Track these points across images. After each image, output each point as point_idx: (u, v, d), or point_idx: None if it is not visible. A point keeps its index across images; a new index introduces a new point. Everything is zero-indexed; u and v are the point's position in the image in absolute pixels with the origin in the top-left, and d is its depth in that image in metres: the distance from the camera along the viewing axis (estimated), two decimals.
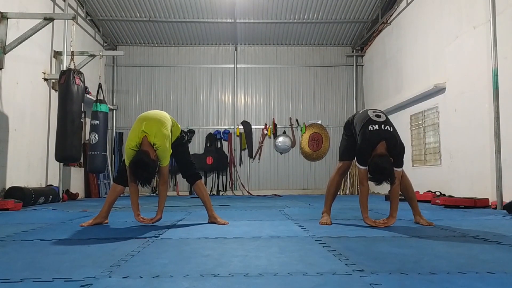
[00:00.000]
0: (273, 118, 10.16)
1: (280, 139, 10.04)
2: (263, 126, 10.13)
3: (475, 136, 5.43)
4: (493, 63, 4.80)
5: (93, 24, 9.10)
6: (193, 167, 3.47)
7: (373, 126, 3.06)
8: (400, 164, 3.11)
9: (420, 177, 6.81)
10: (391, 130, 3.09)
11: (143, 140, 3.05)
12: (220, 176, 9.91)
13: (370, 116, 3.15)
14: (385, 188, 8.11)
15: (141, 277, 1.57)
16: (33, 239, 2.57)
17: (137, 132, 3.07)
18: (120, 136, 9.87)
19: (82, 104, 5.80)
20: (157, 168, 3.07)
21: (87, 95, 7.20)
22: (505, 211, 4.24)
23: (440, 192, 5.82)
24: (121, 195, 3.50)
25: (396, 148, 3.05)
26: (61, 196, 6.67)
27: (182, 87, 10.15)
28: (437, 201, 5.32)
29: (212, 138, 9.96)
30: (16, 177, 5.85)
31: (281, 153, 10.11)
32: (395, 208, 3.14)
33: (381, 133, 3.04)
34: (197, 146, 9.96)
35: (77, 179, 8.07)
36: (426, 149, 7.01)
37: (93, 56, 7.43)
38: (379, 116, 3.14)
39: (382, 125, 3.07)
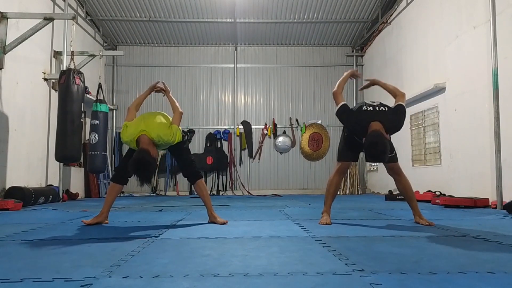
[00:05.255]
0: (273, 118, 10.16)
1: (280, 139, 10.03)
2: (263, 126, 10.13)
3: (475, 136, 5.42)
4: (493, 63, 4.80)
5: (93, 24, 9.10)
6: (194, 166, 3.47)
7: (368, 107, 3.10)
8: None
9: (420, 177, 6.81)
10: (386, 109, 3.09)
11: (141, 138, 3.07)
12: (220, 176, 9.91)
13: (365, 101, 3.26)
14: (384, 188, 8.12)
15: (141, 277, 1.57)
16: (33, 239, 2.57)
17: (136, 128, 3.11)
18: (120, 136, 9.85)
19: (82, 104, 5.81)
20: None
21: (87, 95, 7.20)
22: (505, 211, 4.24)
23: (440, 192, 5.82)
24: (120, 194, 3.50)
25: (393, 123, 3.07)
26: (61, 196, 6.67)
27: (182, 87, 10.14)
28: (437, 201, 5.31)
29: (212, 138, 9.96)
30: (16, 177, 5.85)
31: (281, 153, 10.11)
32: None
33: (375, 114, 3.03)
34: (197, 146, 9.96)
35: (77, 179, 8.06)
36: (426, 149, 7.01)
37: (93, 56, 7.43)
38: (373, 102, 3.17)
39: (377, 107, 3.10)
